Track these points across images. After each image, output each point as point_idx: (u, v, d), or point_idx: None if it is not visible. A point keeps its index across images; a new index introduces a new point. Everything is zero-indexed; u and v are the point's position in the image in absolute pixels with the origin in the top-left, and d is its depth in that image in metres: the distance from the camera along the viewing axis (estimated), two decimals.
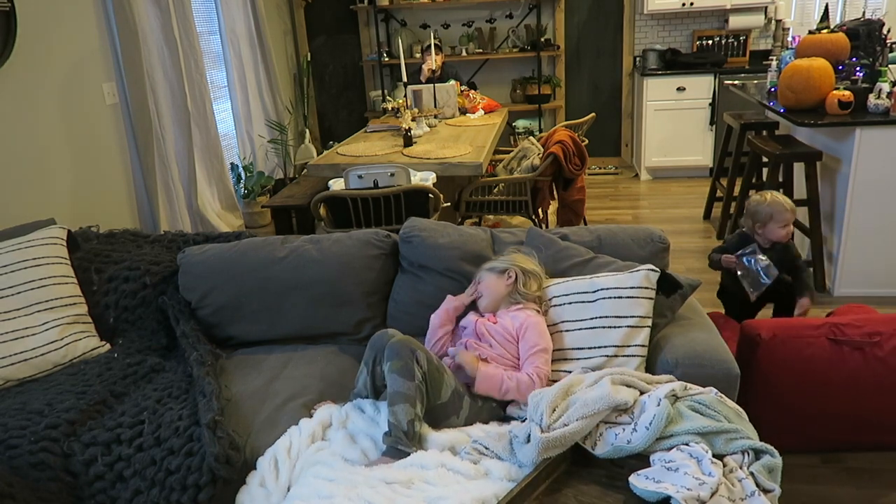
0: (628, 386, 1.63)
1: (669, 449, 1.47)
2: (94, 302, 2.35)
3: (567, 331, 1.94)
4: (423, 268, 2.27)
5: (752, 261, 2.61)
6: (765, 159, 4.05)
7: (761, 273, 2.59)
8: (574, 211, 4.10)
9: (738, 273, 2.65)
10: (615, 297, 1.91)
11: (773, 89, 4.06)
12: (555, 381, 1.88)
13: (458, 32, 6.38)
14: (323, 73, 6.75)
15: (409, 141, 3.96)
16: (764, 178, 4.24)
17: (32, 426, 1.79)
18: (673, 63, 5.80)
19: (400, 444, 1.62)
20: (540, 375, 1.81)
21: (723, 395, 1.63)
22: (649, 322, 1.90)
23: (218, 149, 4.68)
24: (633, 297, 1.89)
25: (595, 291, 1.94)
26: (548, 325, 1.96)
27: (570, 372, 1.85)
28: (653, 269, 1.93)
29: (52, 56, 3.25)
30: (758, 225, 2.66)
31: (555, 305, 1.99)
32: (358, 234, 2.39)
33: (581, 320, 1.93)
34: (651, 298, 1.91)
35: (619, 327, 1.88)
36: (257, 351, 2.30)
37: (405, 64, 4.31)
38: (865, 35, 3.67)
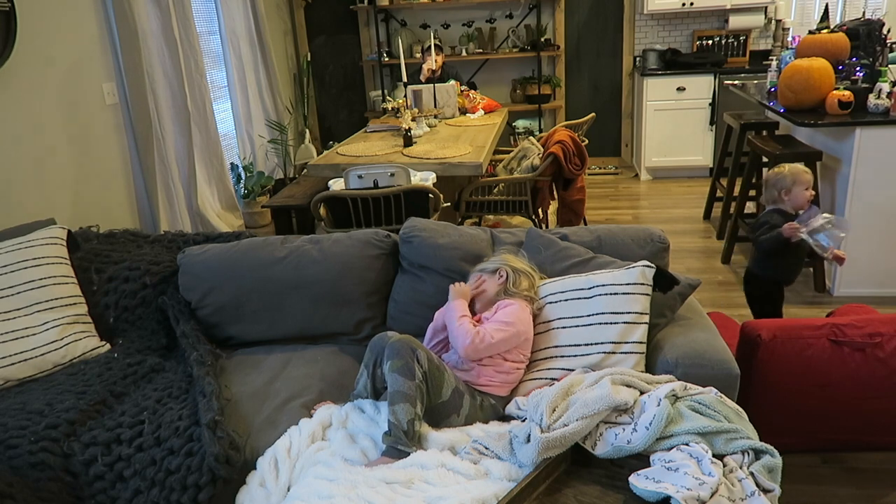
0: (628, 386, 1.63)
1: (669, 449, 1.47)
2: (94, 302, 2.35)
3: (564, 328, 1.94)
4: (423, 268, 2.27)
5: (819, 220, 2.54)
6: (765, 159, 4.05)
7: (842, 223, 2.53)
8: (574, 211, 4.10)
9: (804, 237, 2.56)
10: (611, 294, 1.91)
11: (773, 89, 4.06)
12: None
13: (458, 32, 6.38)
14: (323, 73, 6.75)
15: (409, 141, 3.95)
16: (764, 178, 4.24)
17: (32, 426, 1.79)
18: (673, 63, 5.79)
19: (400, 443, 1.62)
20: (482, 334, 1.82)
21: (723, 395, 1.63)
22: (646, 318, 1.90)
23: (218, 149, 4.68)
24: (629, 294, 1.90)
25: (591, 288, 1.94)
26: (544, 323, 1.97)
27: (568, 369, 1.85)
28: (648, 266, 1.93)
29: (52, 56, 3.25)
30: (783, 192, 2.68)
31: (551, 303, 1.99)
32: (358, 234, 2.39)
33: (578, 317, 1.93)
34: (647, 295, 1.91)
35: (615, 324, 1.88)
36: (257, 351, 2.30)
37: (405, 64, 4.31)
38: (865, 35, 3.67)
